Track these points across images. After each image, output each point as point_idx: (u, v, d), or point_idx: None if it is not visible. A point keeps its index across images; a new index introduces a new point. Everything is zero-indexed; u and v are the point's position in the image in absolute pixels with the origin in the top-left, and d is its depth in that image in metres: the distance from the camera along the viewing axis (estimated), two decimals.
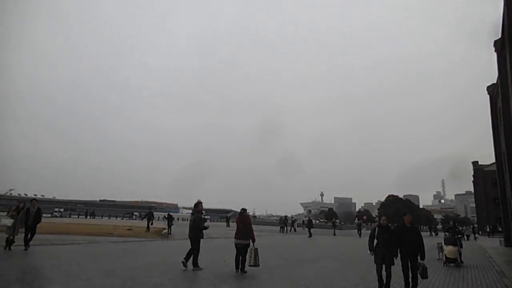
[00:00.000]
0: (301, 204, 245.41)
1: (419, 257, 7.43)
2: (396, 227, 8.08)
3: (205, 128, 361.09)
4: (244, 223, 9.95)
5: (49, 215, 55.04)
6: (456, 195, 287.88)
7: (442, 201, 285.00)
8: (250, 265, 9.50)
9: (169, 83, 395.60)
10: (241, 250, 9.74)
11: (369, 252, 7.86)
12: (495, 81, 27.24)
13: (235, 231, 10.21)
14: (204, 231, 10.38)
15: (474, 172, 69.77)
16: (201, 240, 10.19)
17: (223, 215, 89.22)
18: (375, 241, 7.75)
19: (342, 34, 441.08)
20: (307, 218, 44.15)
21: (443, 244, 13.67)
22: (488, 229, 47.62)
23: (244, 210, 10.42)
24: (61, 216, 64.69)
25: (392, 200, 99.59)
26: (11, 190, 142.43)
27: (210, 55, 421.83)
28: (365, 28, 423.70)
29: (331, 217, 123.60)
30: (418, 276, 7.35)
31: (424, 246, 7.49)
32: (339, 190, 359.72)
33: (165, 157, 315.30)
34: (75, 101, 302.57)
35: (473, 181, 77.40)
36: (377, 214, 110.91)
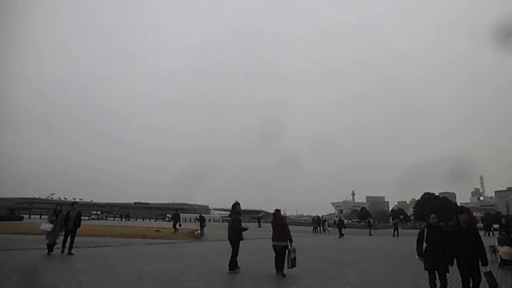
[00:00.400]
0: (332, 204, 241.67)
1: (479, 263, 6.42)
2: (451, 227, 7.06)
3: (211, 128, 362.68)
4: (280, 224, 9.69)
5: (87, 218, 57.23)
6: (496, 192, 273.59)
7: (481, 198, 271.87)
8: (288, 267, 9.16)
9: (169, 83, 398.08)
10: (279, 252, 9.41)
11: (417, 257, 6.94)
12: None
13: (271, 233, 9.90)
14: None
15: None
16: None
17: (253, 215, 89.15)
18: (424, 244, 6.81)
19: (340, 30, 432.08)
20: (338, 218, 42.99)
21: (496, 244, 12.55)
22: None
23: (278, 211, 10.21)
24: (98, 219, 66.93)
25: (428, 198, 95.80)
26: (52, 194, 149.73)
27: (210, 54, 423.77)
28: (362, 24, 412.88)
29: (364, 217, 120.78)
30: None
31: (485, 249, 6.54)
32: (371, 188, 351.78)
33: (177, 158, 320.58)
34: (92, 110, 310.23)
35: None
36: (412, 213, 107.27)
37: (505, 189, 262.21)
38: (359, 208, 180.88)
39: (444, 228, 7.23)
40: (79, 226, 12.52)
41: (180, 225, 26.79)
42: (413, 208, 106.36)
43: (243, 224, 10.37)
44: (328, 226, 43.81)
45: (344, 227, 33.63)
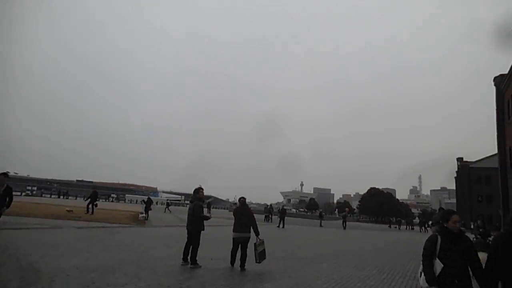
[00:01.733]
0: (281, 193, 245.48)
1: None
2: (500, 235, 4.31)
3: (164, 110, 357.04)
4: (246, 214, 8.82)
5: (19, 194, 51.56)
6: (432, 191, 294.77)
7: (419, 196, 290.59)
8: (256, 262, 8.53)
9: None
10: (243, 245, 8.62)
11: (425, 285, 4.12)
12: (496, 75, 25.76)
13: (233, 223, 8.98)
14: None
15: (459, 169, 69.64)
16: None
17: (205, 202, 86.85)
18: (437, 262, 4.06)
19: (341, 21, 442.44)
20: (281, 207, 41.99)
21: None
22: (472, 226, 46.98)
23: (244, 198, 9.26)
24: (31, 195, 61.09)
25: (373, 192, 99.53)
26: None
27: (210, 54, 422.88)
28: (361, 16, 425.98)
29: (312, 207, 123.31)
30: None
31: None
32: (319, 180, 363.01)
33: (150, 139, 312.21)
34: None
35: (455, 177, 77.67)
36: (357, 206, 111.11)
37: (439, 188, 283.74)
38: (306, 199, 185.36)
39: (477, 239, 5.18)
40: (9, 204, 9.10)
41: (96, 205, 22.59)
42: (359, 201, 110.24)
43: (206, 213, 9.37)
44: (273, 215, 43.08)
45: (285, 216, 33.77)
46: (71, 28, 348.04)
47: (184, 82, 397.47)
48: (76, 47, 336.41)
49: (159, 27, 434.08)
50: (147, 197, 28.53)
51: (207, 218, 8.97)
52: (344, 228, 36.60)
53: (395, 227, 53.09)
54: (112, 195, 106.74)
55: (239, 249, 8.61)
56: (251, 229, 8.66)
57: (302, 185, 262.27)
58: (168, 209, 42.02)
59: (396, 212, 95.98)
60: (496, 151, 67.62)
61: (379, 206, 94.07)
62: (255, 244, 8.57)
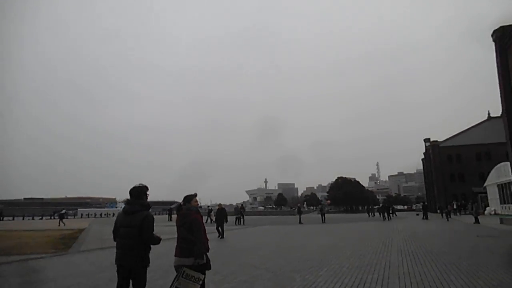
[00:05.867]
0: (246, 191, 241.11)
1: None
2: None
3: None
4: (189, 225, 4.77)
5: None
6: (390, 176, 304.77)
7: (378, 182, 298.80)
8: None
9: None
10: None
11: None
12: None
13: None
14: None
15: (427, 149, 68.19)
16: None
17: (166, 207, 79.38)
18: None
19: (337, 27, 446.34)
20: (240, 205, 36.66)
21: None
22: (455, 206, 44.62)
23: (184, 203, 5.06)
24: None
25: (341, 182, 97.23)
26: None
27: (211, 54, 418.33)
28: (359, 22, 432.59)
29: (280, 203, 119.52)
30: None
31: None
32: (282, 175, 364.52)
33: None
34: None
35: (422, 159, 76.66)
36: (326, 197, 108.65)
37: (397, 173, 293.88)
38: (272, 195, 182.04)
39: None
40: None
41: None
42: (327, 192, 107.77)
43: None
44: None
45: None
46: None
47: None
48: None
49: (155, 26, 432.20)
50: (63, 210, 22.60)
51: (158, 241, 4.59)
52: (323, 221, 32.96)
53: (372, 215, 49.75)
54: (62, 211, 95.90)
55: None
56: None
57: (266, 182, 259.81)
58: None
59: (364, 200, 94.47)
60: (461, 130, 67.78)
61: (348, 195, 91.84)
62: (177, 277, 4.48)
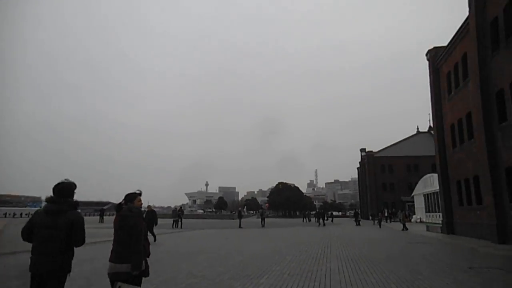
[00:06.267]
0: (186, 194, 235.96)
1: None
2: None
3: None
4: (127, 229, 4.06)
5: None
6: (327, 183, 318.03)
7: (315, 188, 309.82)
8: None
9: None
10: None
11: None
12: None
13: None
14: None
15: (362, 158, 71.86)
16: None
17: (98, 208, 74.28)
18: None
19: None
20: (178, 207, 35.27)
21: None
22: (386, 214, 47.23)
23: (125, 202, 4.31)
24: None
25: (281, 187, 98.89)
26: None
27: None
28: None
29: (221, 206, 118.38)
30: None
31: None
32: (223, 179, 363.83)
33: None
34: None
35: (358, 168, 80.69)
36: (266, 202, 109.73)
37: (333, 181, 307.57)
38: (212, 198, 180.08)
39: None
40: None
41: None
42: (267, 197, 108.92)
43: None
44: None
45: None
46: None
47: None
48: None
49: (156, 26, 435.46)
50: None
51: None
52: (263, 225, 33.10)
53: (308, 220, 50.97)
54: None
55: None
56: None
57: (207, 185, 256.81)
58: None
59: (302, 206, 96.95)
60: (393, 142, 72.50)
61: (287, 200, 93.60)
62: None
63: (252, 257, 11.43)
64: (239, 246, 15.76)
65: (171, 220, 31.35)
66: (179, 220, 30.29)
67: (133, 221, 4.08)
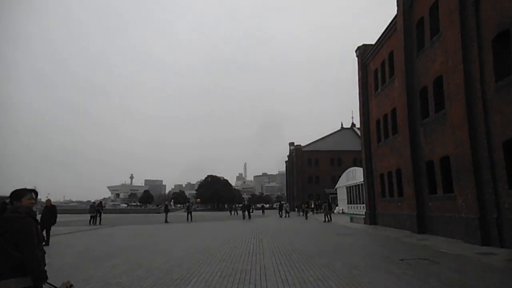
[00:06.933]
0: (108, 187, 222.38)
1: None
2: None
3: None
4: (12, 234, 2.94)
5: None
6: (255, 176, 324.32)
7: (245, 181, 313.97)
8: None
9: None
10: None
11: None
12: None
13: None
14: None
15: (291, 152, 73.74)
16: None
17: None
18: None
19: None
20: (97, 202, 32.22)
21: None
22: (313, 206, 48.72)
23: (11, 201, 3.13)
24: None
25: (211, 180, 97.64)
26: None
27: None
28: None
29: (146, 200, 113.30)
30: None
31: None
32: (150, 172, 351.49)
33: None
34: None
35: (286, 161, 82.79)
36: (195, 196, 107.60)
37: (261, 174, 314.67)
38: (137, 192, 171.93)
39: None
40: None
41: None
42: (196, 190, 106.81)
43: None
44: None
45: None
46: None
47: None
48: None
49: (162, 25, 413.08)
50: None
51: None
52: (190, 220, 31.85)
53: (236, 213, 50.58)
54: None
55: None
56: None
57: (132, 177, 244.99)
58: None
59: (231, 199, 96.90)
60: (320, 137, 75.62)
61: (216, 193, 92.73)
62: None
63: (178, 257, 10.32)
64: (164, 244, 14.47)
65: (88, 216, 28.48)
66: (98, 215, 27.65)
67: (19, 224, 2.98)
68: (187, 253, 11.06)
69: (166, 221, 30.38)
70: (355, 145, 61.23)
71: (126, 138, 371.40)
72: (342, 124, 76.69)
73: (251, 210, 38.61)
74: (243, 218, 35.72)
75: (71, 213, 59.64)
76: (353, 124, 73.19)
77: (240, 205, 57.96)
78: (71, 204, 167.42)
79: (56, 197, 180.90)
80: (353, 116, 75.99)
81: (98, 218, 27.61)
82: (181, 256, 10.54)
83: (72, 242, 15.09)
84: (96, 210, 27.71)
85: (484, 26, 11.78)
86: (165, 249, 12.32)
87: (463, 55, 12.44)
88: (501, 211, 10.66)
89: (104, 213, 34.79)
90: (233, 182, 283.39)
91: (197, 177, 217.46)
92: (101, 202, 30.34)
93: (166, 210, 33.01)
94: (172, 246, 13.53)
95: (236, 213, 50.93)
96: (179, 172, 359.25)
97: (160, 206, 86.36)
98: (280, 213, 41.28)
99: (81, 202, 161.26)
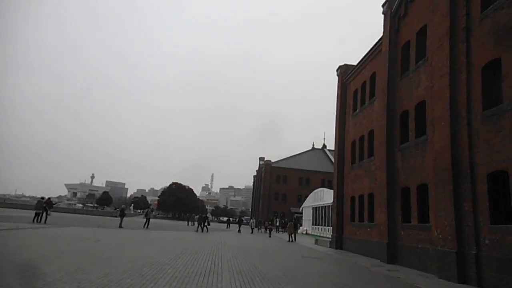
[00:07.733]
0: (65, 185, 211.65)
1: None
2: None
3: None
4: None
5: None
6: (221, 189, 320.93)
7: (210, 193, 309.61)
8: None
9: None
10: None
11: None
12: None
13: None
14: None
15: (260, 167, 72.72)
16: None
17: None
18: None
19: None
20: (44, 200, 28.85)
21: None
22: (278, 223, 47.27)
23: None
24: None
25: (175, 188, 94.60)
26: None
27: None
28: None
29: (104, 202, 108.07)
30: None
31: None
32: (113, 174, 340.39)
33: None
34: None
35: (254, 176, 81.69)
36: (156, 202, 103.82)
37: (227, 187, 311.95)
38: (97, 192, 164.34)
39: None
40: None
41: None
42: (159, 196, 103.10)
43: None
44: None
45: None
46: None
47: None
48: None
49: (158, 31, 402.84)
50: None
51: None
52: (147, 227, 29.60)
53: (192, 224, 48.48)
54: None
55: None
56: None
57: (93, 177, 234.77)
58: None
59: (195, 209, 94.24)
60: (290, 154, 75.27)
61: (179, 202, 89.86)
62: None
63: (122, 270, 8.79)
64: (111, 252, 12.79)
65: (33, 213, 25.89)
66: (44, 213, 25.13)
67: None
68: (133, 266, 9.51)
69: (120, 226, 28.25)
70: (325, 166, 61.46)
71: (95, 135, 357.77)
72: (313, 144, 76.95)
73: (207, 223, 35.76)
74: (196, 230, 33.47)
75: (20, 208, 55.48)
76: (324, 146, 73.53)
77: (197, 216, 55.65)
78: (23, 198, 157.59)
79: (6, 190, 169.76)
80: (325, 138, 76.47)
81: (44, 216, 25.09)
82: (125, 269, 8.98)
83: (1, 242, 13.09)
84: (41, 206, 25.19)
85: (475, 53, 11.37)
86: (109, 258, 10.71)
87: (450, 81, 11.96)
88: (480, 247, 9.98)
89: (56, 212, 32.13)
90: (198, 192, 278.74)
91: (161, 184, 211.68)
92: (49, 198, 27.66)
93: (122, 215, 30.78)
94: (119, 255, 11.90)
95: (193, 224, 48.87)
96: (143, 177, 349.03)
97: (117, 209, 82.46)
98: (240, 228, 39.75)
99: (34, 198, 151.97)
